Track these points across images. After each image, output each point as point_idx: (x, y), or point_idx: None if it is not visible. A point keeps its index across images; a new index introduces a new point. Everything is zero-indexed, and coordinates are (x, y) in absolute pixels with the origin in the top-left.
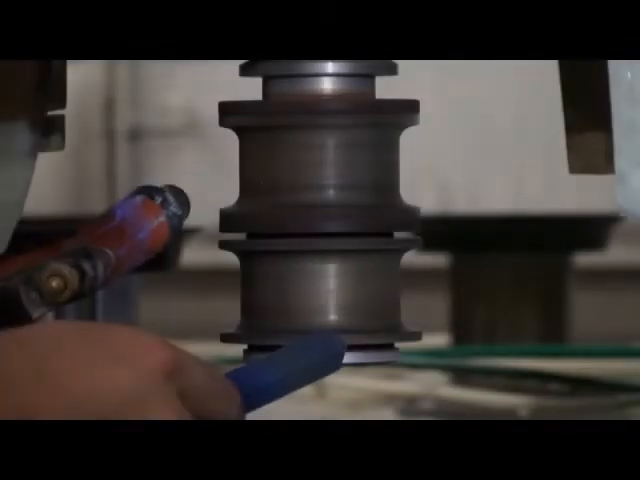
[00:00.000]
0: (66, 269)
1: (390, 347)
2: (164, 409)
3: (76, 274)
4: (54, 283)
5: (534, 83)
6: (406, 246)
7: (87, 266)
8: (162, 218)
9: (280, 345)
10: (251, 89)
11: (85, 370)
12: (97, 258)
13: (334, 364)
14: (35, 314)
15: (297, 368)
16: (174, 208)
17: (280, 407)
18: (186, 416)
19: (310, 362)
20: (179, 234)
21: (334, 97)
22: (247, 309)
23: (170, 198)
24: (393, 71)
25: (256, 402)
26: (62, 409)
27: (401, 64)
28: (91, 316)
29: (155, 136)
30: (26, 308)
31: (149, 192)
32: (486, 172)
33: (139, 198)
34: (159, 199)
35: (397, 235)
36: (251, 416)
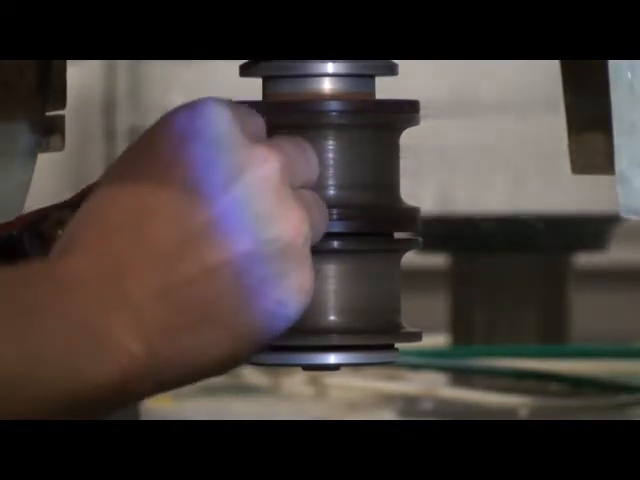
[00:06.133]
0: (71, 218)
1: (390, 347)
2: None
3: None
4: (59, 232)
5: (534, 83)
6: (406, 246)
7: None
8: None
9: (279, 345)
10: (251, 89)
11: None
12: None
13: None
14: None
15: None
16: None
17: (280, 407)
18: None
19: None
20: None
21: (334, 97)
22: None
23: None
24: (393, 71)
25: None
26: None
27: (401, 64)
28: None
29: None
30: (29, 256)
31: None
32: (486, 172)
33: None
34: None
35: (397, 235)
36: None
